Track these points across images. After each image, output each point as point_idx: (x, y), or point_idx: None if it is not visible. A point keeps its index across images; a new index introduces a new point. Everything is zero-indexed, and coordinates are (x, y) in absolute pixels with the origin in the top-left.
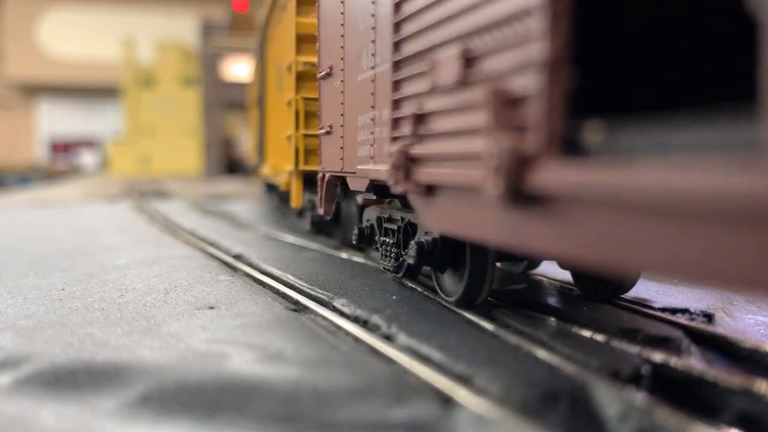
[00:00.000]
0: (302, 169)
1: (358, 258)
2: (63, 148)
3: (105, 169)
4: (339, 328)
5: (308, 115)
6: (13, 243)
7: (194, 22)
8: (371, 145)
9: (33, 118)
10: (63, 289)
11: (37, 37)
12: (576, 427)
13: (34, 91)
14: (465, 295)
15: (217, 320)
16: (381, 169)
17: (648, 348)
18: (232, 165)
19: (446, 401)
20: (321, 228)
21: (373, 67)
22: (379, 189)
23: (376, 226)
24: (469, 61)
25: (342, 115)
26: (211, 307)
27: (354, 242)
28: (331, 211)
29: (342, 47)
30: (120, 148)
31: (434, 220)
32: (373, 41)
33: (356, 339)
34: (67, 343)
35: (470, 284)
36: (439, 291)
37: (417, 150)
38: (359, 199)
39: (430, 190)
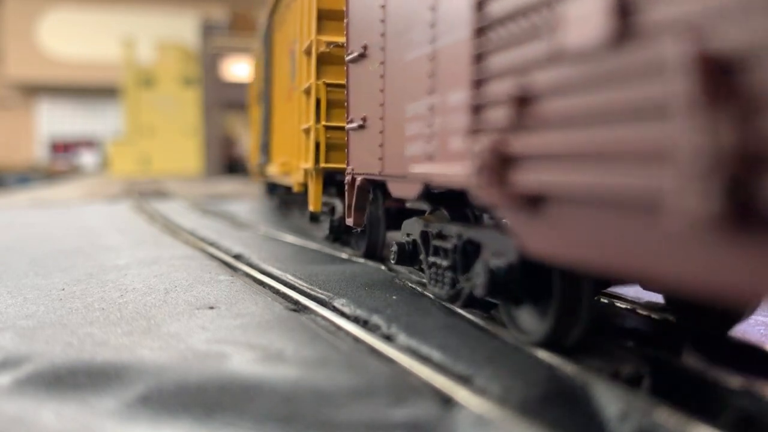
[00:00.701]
0: (323, 167)
1: (358, 258)
2: (63, 148)
3: (105, 169)
4: (339, 328)
5: (331, 104)
6: (13, 243)
7: (194, 22)
8: (428, 141)
9: (33, 118)
10: (63, 289)
11: (37, 37)
12: (576, 427)
13: (34, 91)
14: (552, 334)
15: (217, 320)
16: (452, 173)
17: (648, 348)
18: (232, 165)
19: (446, 401)
20: (339, 235)
21: (432, 41)
22: (433, 197)
23: (420, 243)
24: (627, 5)
25: (381, 105)
26: (211, 307)
27: (392, 261)
28: (362, 222)
29: (382, 21)
30: (120, 148)
31: (546, 244)
32: (432, 8)
33: (356, 339)
34: (67, 343)
35: (560, 321)
36: (511, 327)
37: (519, 145)
38: (388, 203)
39: (535, 200)
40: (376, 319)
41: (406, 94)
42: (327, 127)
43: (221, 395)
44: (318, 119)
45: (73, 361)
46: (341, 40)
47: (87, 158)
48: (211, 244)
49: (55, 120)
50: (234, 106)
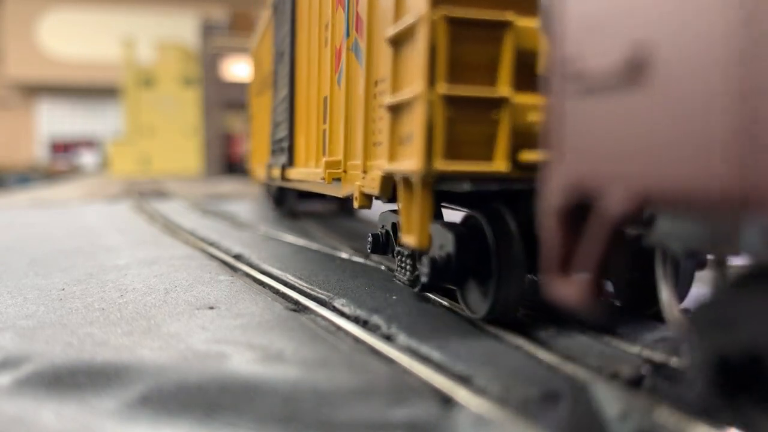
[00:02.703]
0: (442, 171)
1: (358, 258)
2: (63, 148)
3: (105, 169)
4: (339, 328)
5: (460, 58)
6: (13, 243)
7: (194, 22)
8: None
9: (33, 118)
10: (63, 289)
11: (37, 37)
12: (576, 427)
13: (34, 91)
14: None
15: (217, 320)
16: None
17: (648, 348)
18: (232, 165)
19: (446, 401)
20: (437, 283)
21: None
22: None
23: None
24: None
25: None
26: (211, 307)
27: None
28: (608, 298)
29: None
30: (120, 148)
31: None
32: None
33: (356, 339)
34: (67, 343)
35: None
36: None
37: None
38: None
39: None
40: (376, 319)
41: None
42: (450, 100)
43: (221, 395)
44: (432, 81)
45: (73, 361)
46: None
47: (87, 158)
48: (211, 244)
49: (55, 120)
50: (234, 106)
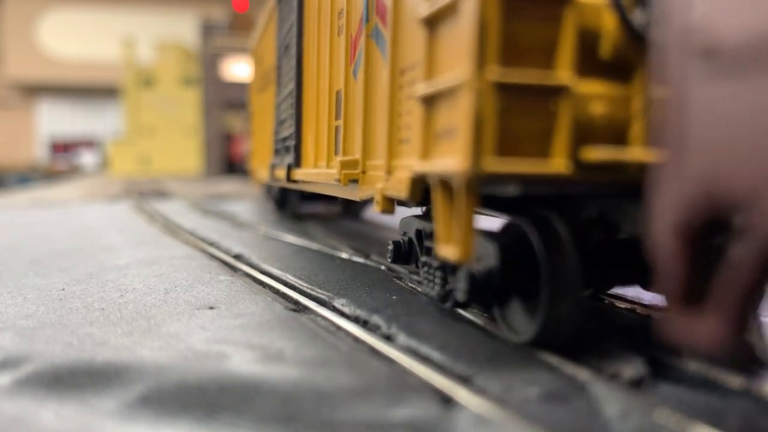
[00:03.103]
0: (494, 172)
1: (358, 258)
2: (63, 148)
3: (105, 169)
4: (339, 328)
5: (511, 41)
6: (13, 243)
7: (194, 22)
8: None
9: (33, 118)
10: (63, 289)
11: (37, 37)
12: (576, 427)
13: (34, 91)
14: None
15: (217, 320)
16: None
17: (647, 347)
18: (232, 165)
19: (446, 401)
20: (473, 300)
21: None
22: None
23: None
24: None
25: None
26: (211, 307)
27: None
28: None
29: None
30: (120, 148)
31: None
32: None
33: (356, 339)
34: (67, 343)
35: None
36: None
37: None
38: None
39: None
40: (376, 319)
41: None
42: (503, 88)
43: (221, 395)
44: (481, 63)
45: (73, 361)
46: None
47: (87, 158)
48: (211, 244)
49: (55, 120)
50: (234, 106)
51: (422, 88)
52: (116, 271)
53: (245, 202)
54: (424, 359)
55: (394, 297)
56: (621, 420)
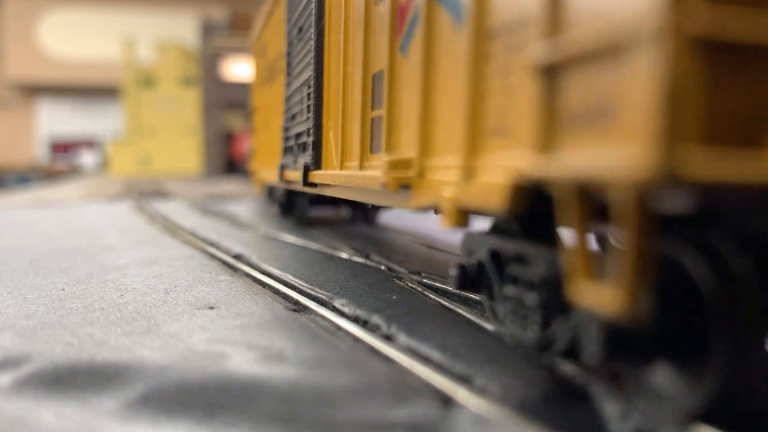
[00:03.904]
0: (703, 178)
1: (358, 258)
2: (63, 148)
3: (105, 169)
4: (339, 328)
5: None
6: (13, 243)
7: (194, 22)
8: None
9: (33, 118)
10: (63, 289)
11: (37, 37)
12: (576, 427)
13: (34, 91)
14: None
15: (217, 320)
16: None
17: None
18: (233, 165)
19: (446, 401)
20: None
21: None
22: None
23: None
24: None
25: None
26: (211, 307)
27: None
28: None
29: None
30: (120, 148)
31: None
32: None
33: (356, 339)
34: (67, 343)
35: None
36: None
37: None
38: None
39: None
40: (376, 319)
41: None
42: (709, 45)
43: (221, 395)
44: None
45: (73, 361)
46: None
47: (87, 158)
48: (211, 244)
49: (55, 120)
50: (234, 105)
51: (543, 52)
52: (116, 271)
53: (245, 203)
54: (424, 359)
55: (394, 297)
56: (621, 420)
